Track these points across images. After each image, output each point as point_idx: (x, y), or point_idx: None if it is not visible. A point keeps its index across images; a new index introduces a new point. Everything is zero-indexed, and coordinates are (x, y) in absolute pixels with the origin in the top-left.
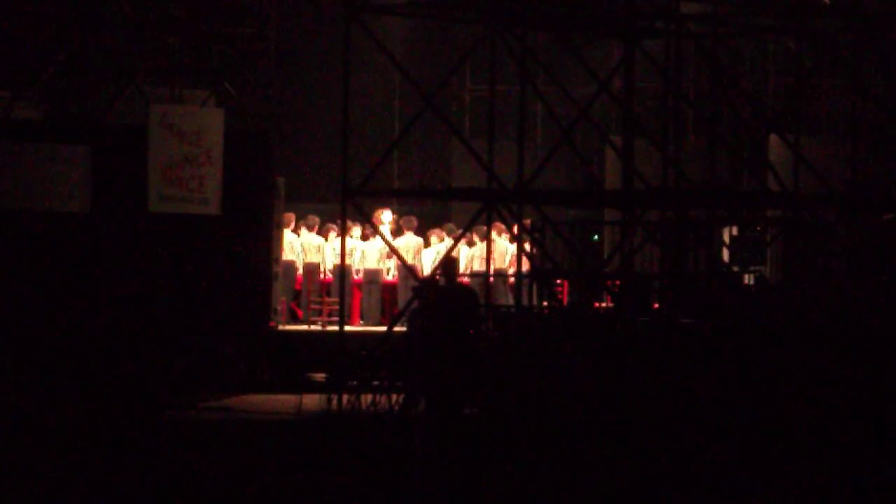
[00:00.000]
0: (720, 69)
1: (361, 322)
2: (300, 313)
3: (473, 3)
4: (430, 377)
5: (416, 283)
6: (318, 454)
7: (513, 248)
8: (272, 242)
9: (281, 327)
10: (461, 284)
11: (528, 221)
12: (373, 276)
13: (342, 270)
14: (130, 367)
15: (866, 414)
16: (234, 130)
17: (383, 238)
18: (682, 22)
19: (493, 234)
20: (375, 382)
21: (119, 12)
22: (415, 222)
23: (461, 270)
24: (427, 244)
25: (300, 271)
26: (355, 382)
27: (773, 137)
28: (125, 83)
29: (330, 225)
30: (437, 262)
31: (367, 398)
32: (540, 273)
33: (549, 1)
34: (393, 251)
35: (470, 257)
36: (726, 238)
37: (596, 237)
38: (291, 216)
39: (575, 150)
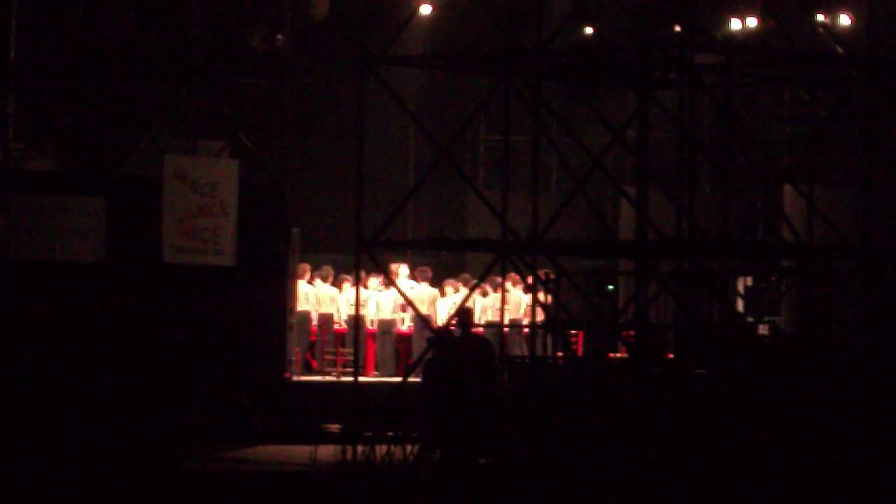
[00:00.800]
0: (734, 119)
1: (376, 373)
2: (315, 364)
3: (487, 54)
4: (444, 428)
5: (430, 335)
6: None
7: (527, 298)
8: (287, 293)
9: (296, 378)
10: (476, 335)
11: (543, 272)
12: (387, 326)
13: (357, 321)
14: (145, 419)
15: (881, 463)
16: (248, 181)
17: (398, 289)
18: (697, 73)
19: (508, 285)
20: (390, 433)
21: (134, 64)
22: (429, 273)
23: (475, 321)
24: (442, 294)
25: (315, 322)
26: (370, 433)
27: (788, 188)
28: (140, 134)
29: (344, 276)
30: (452, 313)
31: (381, 449)
32: (554, 324)
33: (562, 51)
34: (408, 302)
35: (483, 308)
36: (741, 288)
37: (611, 287)
38: (306, 267)
39: (589, 201)
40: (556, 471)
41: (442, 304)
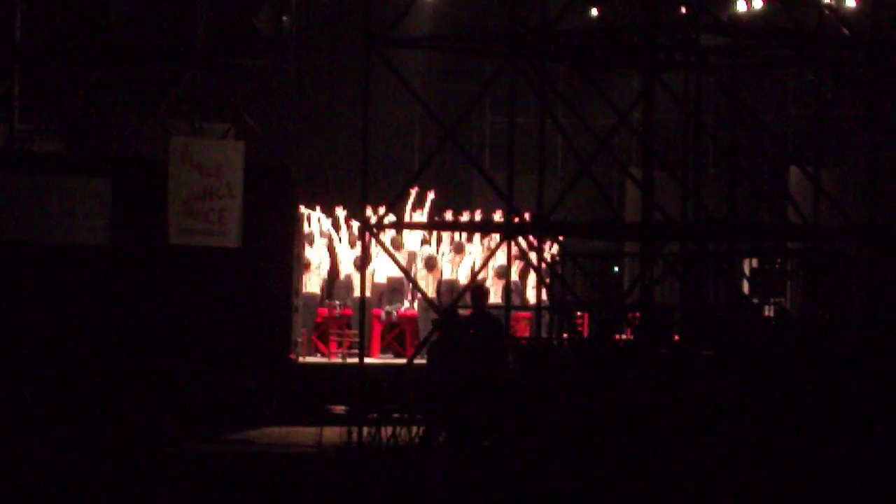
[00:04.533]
0: (740, 101)
1: (381, 354)
2: (323, 348)
3: (493, 35)
4: (450, 409)
5: (436, 316)
6: (339, 487)
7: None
8: (293, 275)
9: (301, 360)
10: (488, 314)
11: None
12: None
13: (363, 303)
14: (148, 401)
15: (888, 445)
16: (254, 163)
17: (401, 268)
18: (702, 55)
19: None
20: (396, 415)
21: (139, 45)
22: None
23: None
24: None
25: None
26: (375, 415)
27: (794, 169)
28: (146, 116)
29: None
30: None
31: (387, 430)
32: (560, 305)
33: (568, 33)
34: (414, 285)
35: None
36: (746, 270)
37: (616, 269)
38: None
39: (594, 183)
40: (561, 453)
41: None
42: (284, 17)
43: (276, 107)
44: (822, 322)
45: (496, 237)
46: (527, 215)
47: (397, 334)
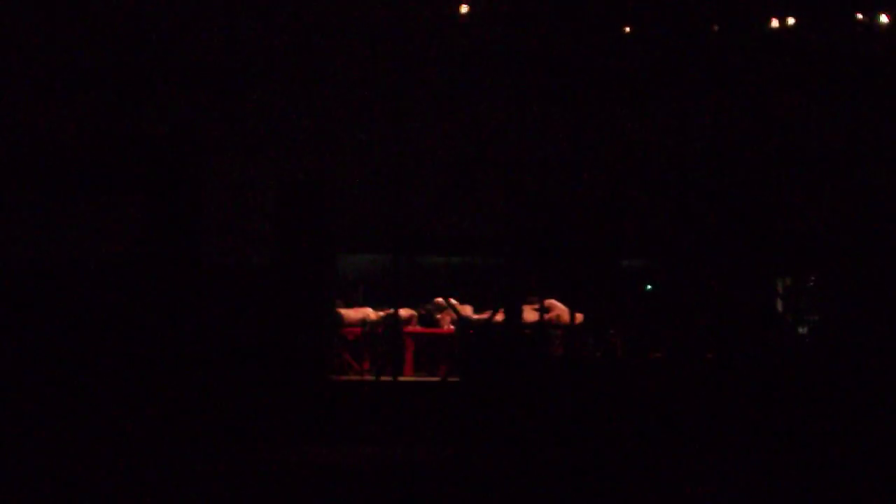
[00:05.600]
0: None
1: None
2: (356, 365)
3: None
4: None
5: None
6: None
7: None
8: (327, 291)
9: (337, 378)
10: (523, 331)
11: None
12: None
13: (396, 321)
14: (185, 420)
15: None
16: (287, 180)
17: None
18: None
19: None
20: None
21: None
22: None
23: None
24: None
25: (354, 321)
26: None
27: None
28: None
29: None
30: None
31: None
32: (594, 323)
33: None
34: (449, 305)
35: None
36: (780, 288)
37: (649, 287)
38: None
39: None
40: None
41: None
42: None
43: (310, 123)
44: (851, 339)
45: None
46: None
47: (431, 353)
